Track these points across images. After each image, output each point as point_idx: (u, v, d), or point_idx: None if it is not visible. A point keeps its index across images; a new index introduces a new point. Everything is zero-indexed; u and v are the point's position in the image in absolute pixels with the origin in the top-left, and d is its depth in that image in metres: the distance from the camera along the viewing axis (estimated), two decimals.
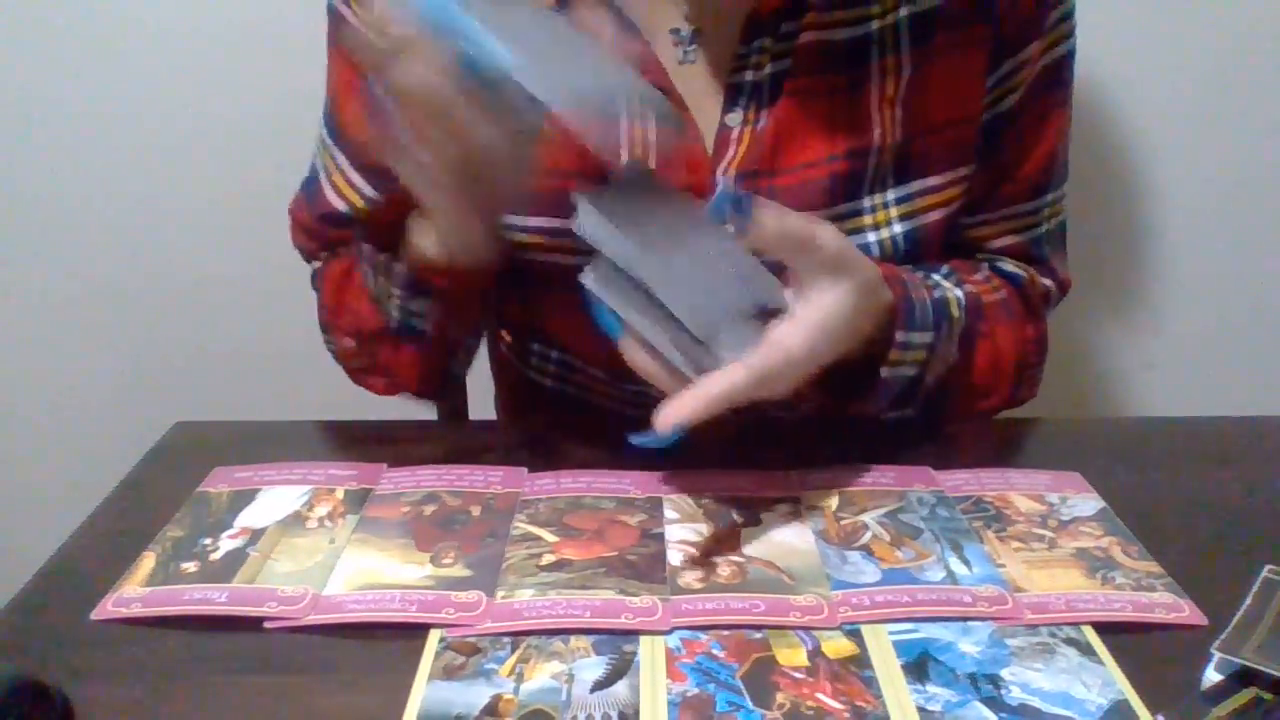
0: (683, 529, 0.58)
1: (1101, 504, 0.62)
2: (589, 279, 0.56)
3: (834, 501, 0.61)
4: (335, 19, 0.72)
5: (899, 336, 0.64)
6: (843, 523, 0.59)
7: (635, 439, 0.55)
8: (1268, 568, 0.53)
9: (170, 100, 1.08)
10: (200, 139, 1.10)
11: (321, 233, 0.76)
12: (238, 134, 1.10)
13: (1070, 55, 0.72)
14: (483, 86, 0.50)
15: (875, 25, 0.66)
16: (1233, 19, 1.05)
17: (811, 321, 0.56)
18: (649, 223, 0.55)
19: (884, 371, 0.65)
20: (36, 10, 1.05)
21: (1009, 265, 0.76)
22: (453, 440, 0.71)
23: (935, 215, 0.71)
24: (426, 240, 0.63)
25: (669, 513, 0.60)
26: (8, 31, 1.06)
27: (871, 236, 0.69)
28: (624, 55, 0.57)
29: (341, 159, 0.74)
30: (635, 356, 0.57)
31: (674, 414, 0.54)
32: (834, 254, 0.57)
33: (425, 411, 0.86)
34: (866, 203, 0.69)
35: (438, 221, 0.61)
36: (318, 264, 0.78)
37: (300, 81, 0.89)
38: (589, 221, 0.54)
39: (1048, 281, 0.77)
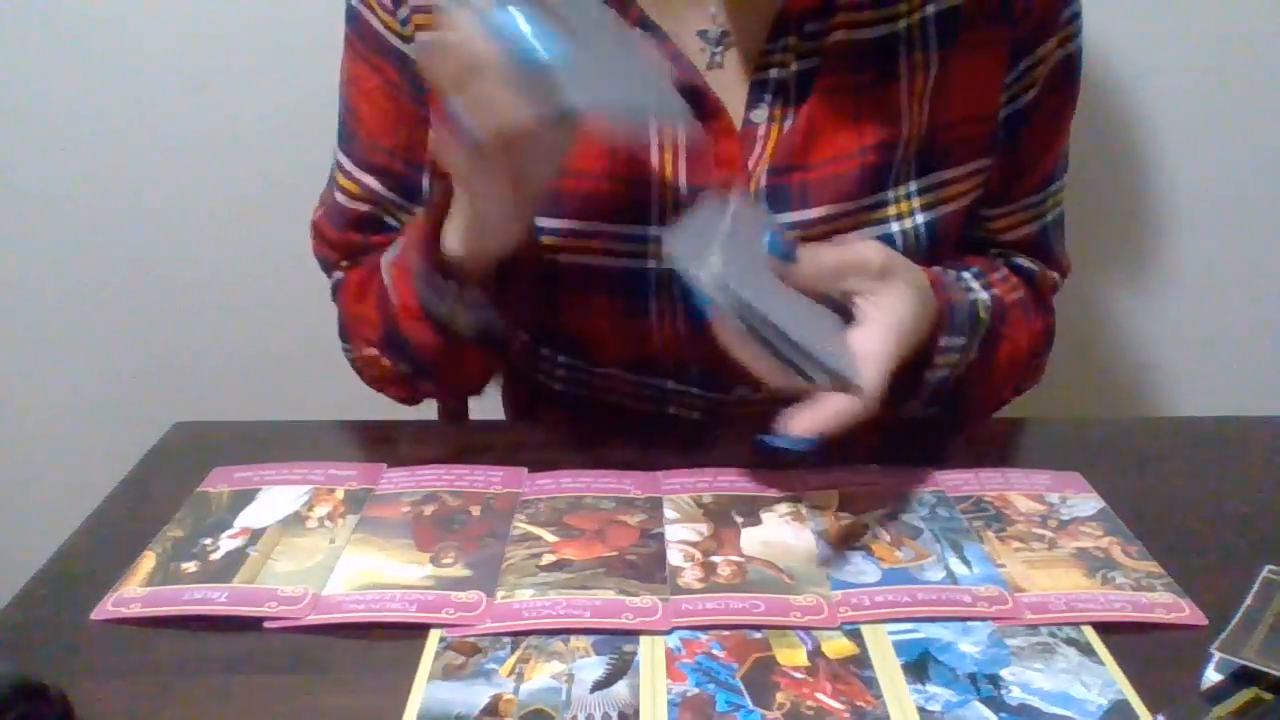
0: (683, 529, 0.58)
1: (1101, 504, 0.62)
2: (703, 281, 0.53)
3: (834, 501, 0.61)
4: (355, 20, 0.73)
5: (941, 341, 0.66)
6: (843, 523, 0.59)
7: (770, 440, 0.55)
8: (1268, 568, 0.53)
9: (171, 100, 1.08)
10: (201, 139, 1.10)
11: (346, 243, 0.77)
12: (239, 134, 1.10)
13: (1079, 50, 0.73)
14: (529, 72, 0.50)
15: (903, 24, 0.68)
16: (1237, 16, 1.05)
17: (887, 322, 0.59)
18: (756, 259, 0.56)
19: (928, 375, 0.67)
20: (38, 10, 1.05)
21: (1023, 261, 0.78)
22: (453, 440, 0.71)
23: (955, 205, 0.72)
24: (453, 237, 0.64)
25: (669, 513, 0.60)
26: (6, 31, 1.06)
27: (895, 226, 0.70)
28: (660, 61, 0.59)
29: (348, 162, 0.75)
30: (740, 350, 0.57)
31: (809, 424, 0.55)
32: (880, 265, 0.59)
33: (425, 411, 0.86)
34: (890, 194, 0.70)
35: (470, 207, 0.61)
36: (339, 275, 0.79)
37: (302, 82, 0.90)
38: (715, 276, 0.53)
39: (1054, 273, 0.80)
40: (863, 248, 0.60)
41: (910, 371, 0.66)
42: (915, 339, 0.62)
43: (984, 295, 0.71)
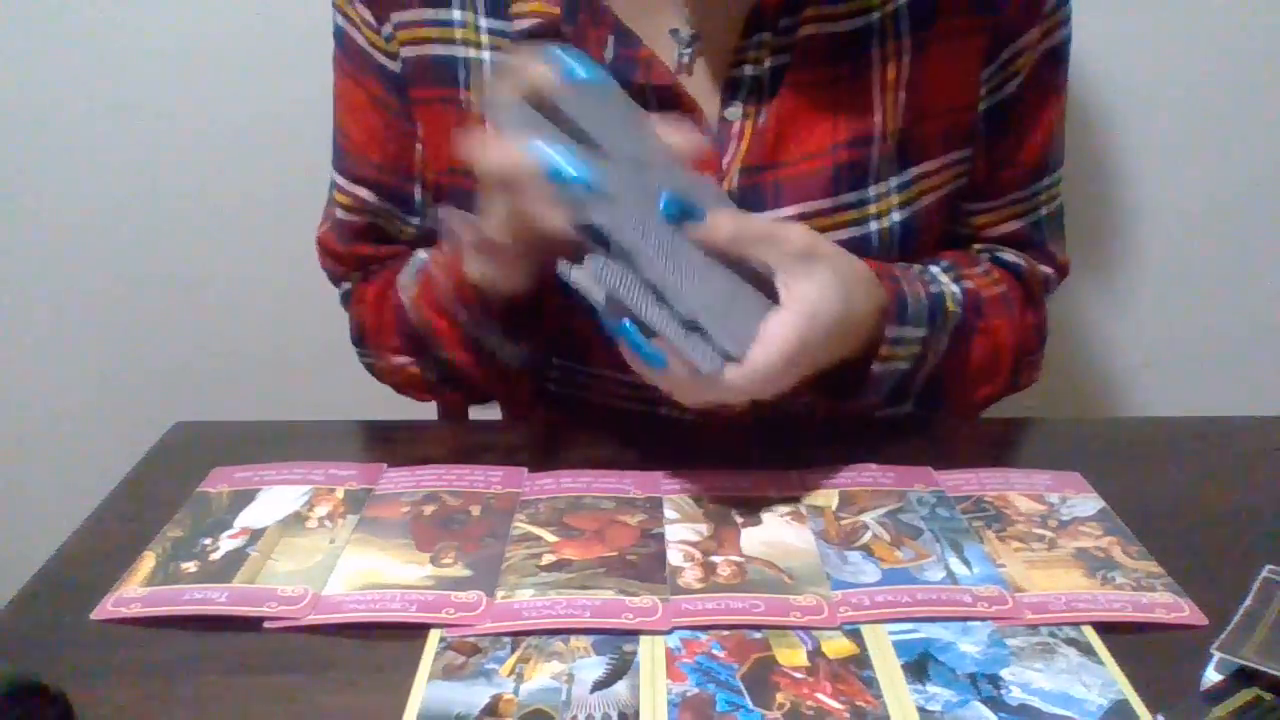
0: (683, 529, 0.58)
1: (1101, 504, 0.62)
2: (575, 275, 0.56)
3: (834, 501, 0.61)
4: (341, 38, 0.73)
5: (890, 332, 0.65)
6: (843, 523, 0.59)
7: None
8: (1268, 568, 0.53)
9: (171, 101, 1.08)
10: (202, 139, 1.10)
11: (353, 255, 0.78)
12: (239, 135, 1.10)
13: (1067, 41, 0.73)
14: (560, 189, 0.54)
15: (876, 15, 0.67)
16: (1233, 15, 1.05)
17: (799, 310, 0.56)
18: (652, 221, 0.56)
19: (875, 367, 0.65)
20: (38, 10, 1.05)
21: (1009, 255, 0.77)
22: (453, 440, 0.71)
23: (931, 198, 0.72)
24: (473, 267, 0.65)
25: (669, 513, 0.60)
26: (7, 31, 1.06)
27: (874, 225, 0.70)
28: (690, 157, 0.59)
29: (341, 178, 0.76)
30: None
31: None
32: (802, 245, 0.57)
33: (425, 411, 0.87)
34: (872, 191, 0.70)
35: (488, 258, 0.63)
36: (348, 285, 0.79)
37: (304, 83, 0.89)
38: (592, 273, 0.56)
39: (1046, 268, 0.79)
40: (789, 226, 0.58)
41: (856, 364, 0.65)
42: (843, 328, 0.60)
43: (954, 288, 0.70)
